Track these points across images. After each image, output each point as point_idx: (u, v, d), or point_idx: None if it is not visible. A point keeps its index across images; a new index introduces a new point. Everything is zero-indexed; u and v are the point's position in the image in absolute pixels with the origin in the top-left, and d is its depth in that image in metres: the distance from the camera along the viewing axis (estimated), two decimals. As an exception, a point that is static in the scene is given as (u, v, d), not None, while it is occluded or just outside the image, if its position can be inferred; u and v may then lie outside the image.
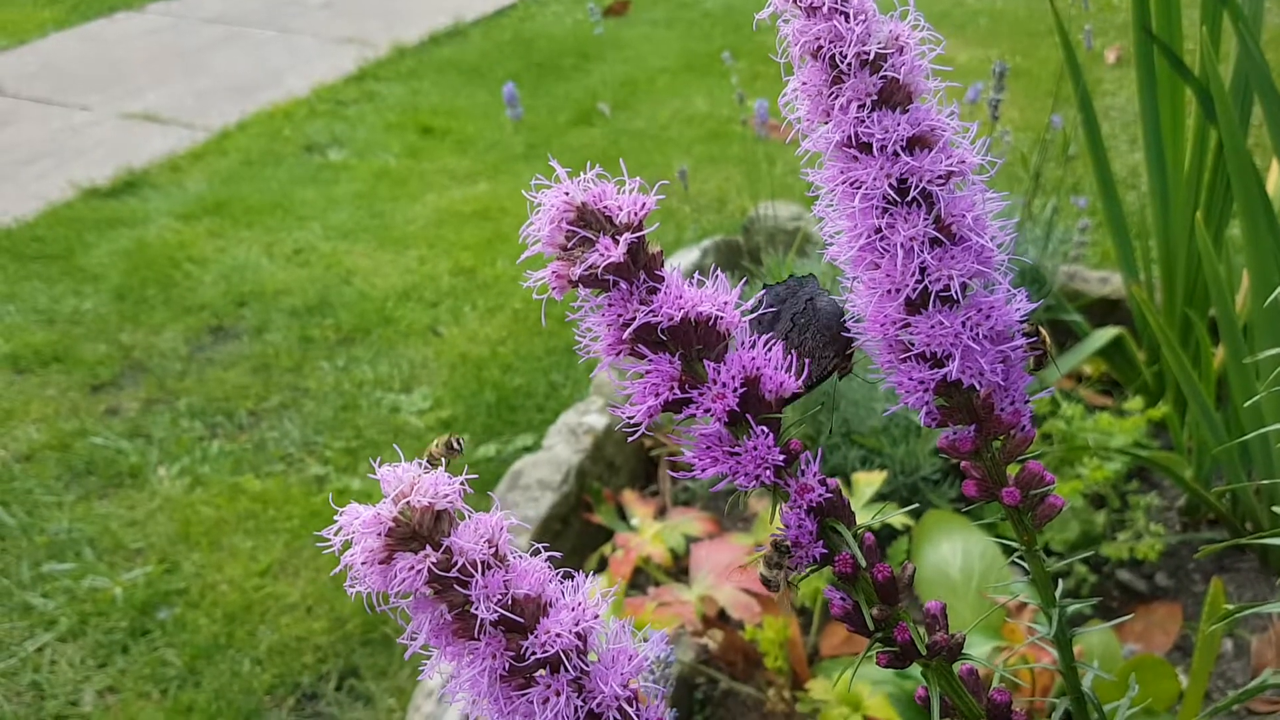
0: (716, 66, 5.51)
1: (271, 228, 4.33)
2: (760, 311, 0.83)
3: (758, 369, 0.73)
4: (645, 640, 0.71)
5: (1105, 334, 2.55)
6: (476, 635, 0.65)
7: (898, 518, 2.04)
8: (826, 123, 0.75)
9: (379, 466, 0.66)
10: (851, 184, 0.75)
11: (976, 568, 1.74)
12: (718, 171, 4.65)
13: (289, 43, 6.45)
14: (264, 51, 6.32)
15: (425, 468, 0.87)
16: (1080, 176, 3.82)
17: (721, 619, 2.04)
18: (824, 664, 1.94)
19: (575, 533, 2.40)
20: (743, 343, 0.74)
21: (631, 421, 0.73)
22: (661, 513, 2.35)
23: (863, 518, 0.80)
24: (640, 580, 2.28)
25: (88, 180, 4.69)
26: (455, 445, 0.92)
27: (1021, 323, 0.79)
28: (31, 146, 5.13)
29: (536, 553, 0.70)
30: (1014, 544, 0.89)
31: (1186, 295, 2.37)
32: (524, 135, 5.07)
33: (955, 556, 1.77)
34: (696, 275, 0.74)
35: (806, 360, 0.83)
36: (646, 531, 2.15)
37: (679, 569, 2.21)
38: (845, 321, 0.84)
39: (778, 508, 0.76)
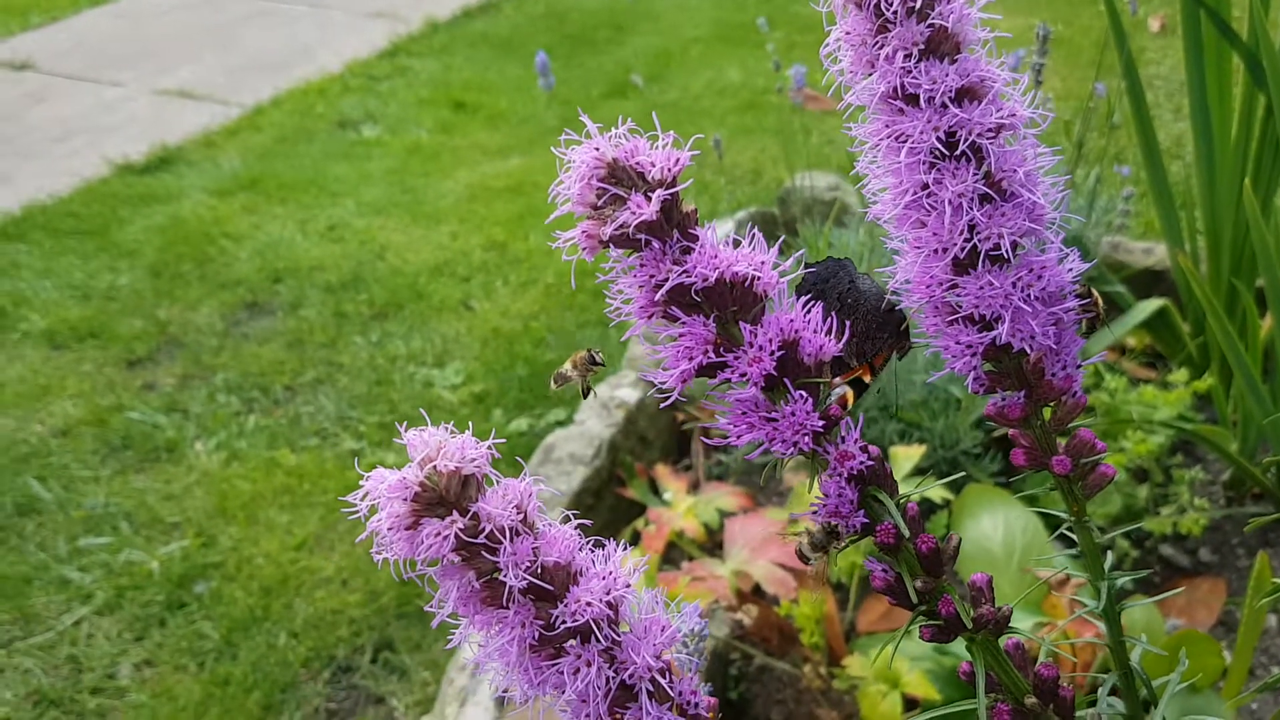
0: (751, 36, 5.44)
1: (305, 204, 4.33)
2: (800, 274, 0.80)
3: (796, 332, 0.70)
4: (679, 613, 0.69)
5: (1149, 305, 2.49)
6: (505, 603, 0.63)
7: (937, 492, 2.01)
8: (871, 74, 0.72)
9: (404, 431, 0.64)
10: (897, 138, 0.71)
11: (1019, 542, 1.70)
12: (753, 143, 4.59)
13: (321, 18, 6.44)
14: (296, 27, 6.32)
15: (572, 376, 0.85)
16: (1124, 146, 3.73)
17: (756, 594, 2.02)
18: (861, 640, 1.91)
19: (607, 507, 2.38)
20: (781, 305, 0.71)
21: (664, 387, 0.70)
22: (695, 487, 2.32)
23: (900, 490, 0.77)
24: (674, 555, 2.26)
25: (122, 156, 4.71)
26: (596, 359, 0.90)
27: (1074, 283, 0.75)
28: (65, 123, 5.16)
29: (566, 520, 0.68)
30: (1058, 516, 0.86)
31: (1233, 265, 2.31)
32: (556, 109, 5.04)
33: (996, 530, 1.74)
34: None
35: (865, 345, 0.80)
36: (679, 506, 2.13)
37: (713, 544, 2.19)
38: (890, 300, 0.81)
39: (817, 476, 0.73)
